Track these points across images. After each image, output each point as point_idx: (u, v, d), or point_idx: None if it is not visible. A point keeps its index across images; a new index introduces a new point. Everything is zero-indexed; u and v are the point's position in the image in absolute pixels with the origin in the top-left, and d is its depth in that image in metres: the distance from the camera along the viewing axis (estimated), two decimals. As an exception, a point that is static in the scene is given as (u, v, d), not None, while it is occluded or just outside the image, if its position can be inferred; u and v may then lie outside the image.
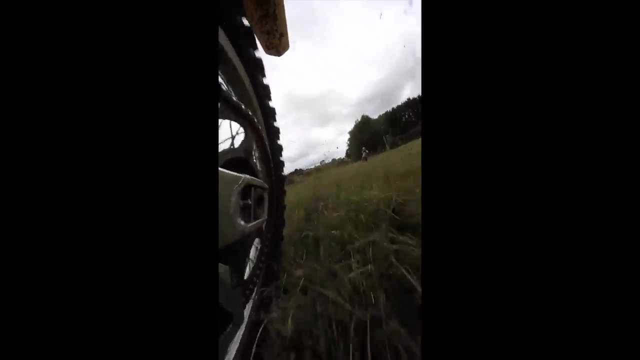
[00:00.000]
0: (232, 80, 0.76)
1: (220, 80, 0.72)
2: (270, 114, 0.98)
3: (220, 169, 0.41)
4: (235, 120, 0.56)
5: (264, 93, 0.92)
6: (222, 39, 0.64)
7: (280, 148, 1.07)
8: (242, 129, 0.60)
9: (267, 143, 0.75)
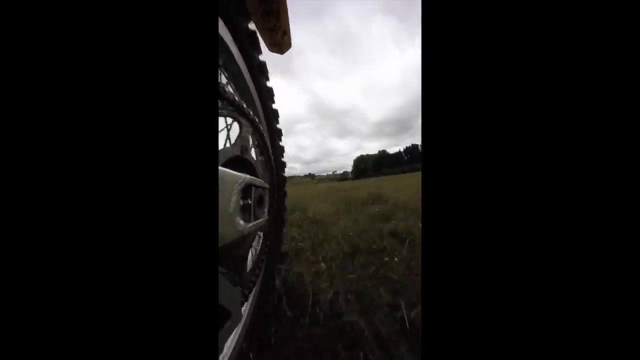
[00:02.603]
0: (235, 81, 0.76)
1: (223, 80, 0.71)
2: (272, 115, 0.97)
3: (220, 167, 0.41)
4: (237, 120, 0.56)
5: (267, 95, 0.92)
6: (228, 40, 0.63)
7: (282, 149, 1.06)
8: (244, 128, 0.60)
9: (268, 144, 0.74)
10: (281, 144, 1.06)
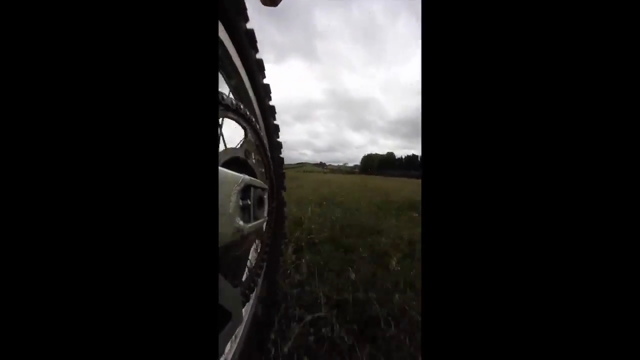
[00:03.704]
0: (232, 78, 0.75)
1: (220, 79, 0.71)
2: (269, 112, 0.97)
3: (220, 168, 0.40)
4: (232, 118, 0.56)
5: (264, 92, 0.91)
6: (224, 38, 0.63)
7: (279, 145, 1.06)
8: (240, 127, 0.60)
9: (265, 140, 0.74)
10: (278, 140, 1.06)
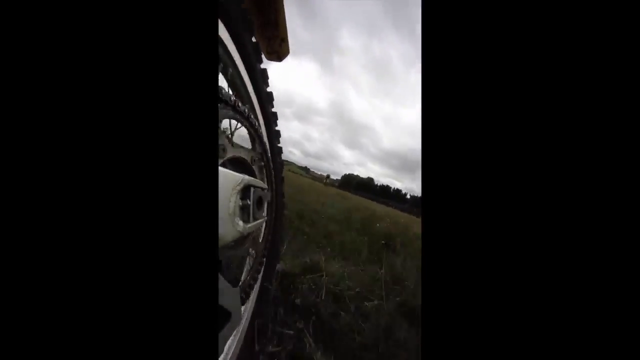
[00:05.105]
0: (235, 86, 0.76)
1: (223, 84, 0.71)
2: (271, 118, 0.98)
3: (220, 168, 0.40)
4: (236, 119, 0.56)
5: (266, 99, 0.92)
6: (231, 48, 0.63)
7: (279, 150, 1.07)
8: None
9: (267, 145, 0.75)
10: (279, 145, 1.07)
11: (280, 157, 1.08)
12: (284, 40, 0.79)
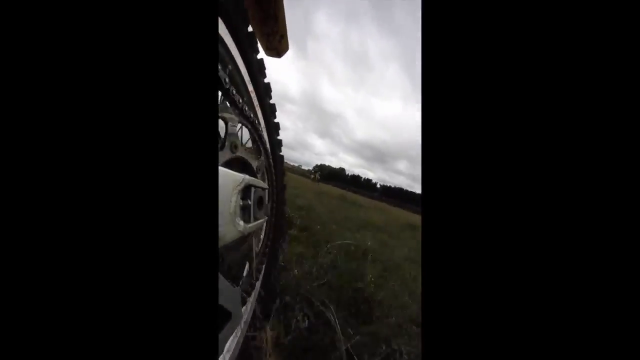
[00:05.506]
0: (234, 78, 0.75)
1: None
2: (270, 110, 0.97)
3: (221, 167, 0.40)
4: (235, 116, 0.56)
5: (265, 91, 0.91)
6: (228, 40, 0.62)
7: (279, 143, 1.06)
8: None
9: (266, 138, 0.74)
10: (279, 137, 1.06)
11: (280, 150, 1.07)
12: (283, 36, 0.77)
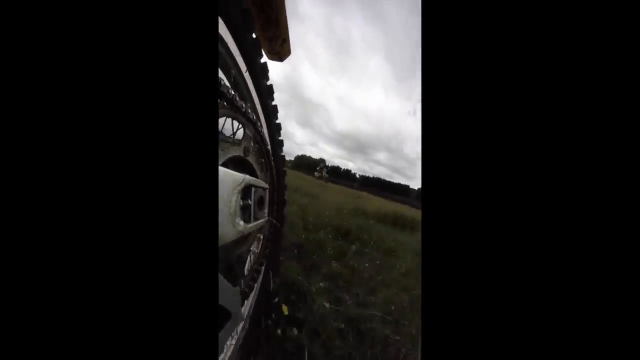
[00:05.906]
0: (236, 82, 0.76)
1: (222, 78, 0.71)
2: (271, 111, 0.97)
3: (220, 167, 0.40)
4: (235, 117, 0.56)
5: (266, 93, 0.91)
6: (230, 42, 0.63)
7: (280, 143, 1.07)
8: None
9: (267, 139, 0.75)
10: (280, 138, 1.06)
11: (282, 150, 1.08)
12: (285, 40, 0.78)
